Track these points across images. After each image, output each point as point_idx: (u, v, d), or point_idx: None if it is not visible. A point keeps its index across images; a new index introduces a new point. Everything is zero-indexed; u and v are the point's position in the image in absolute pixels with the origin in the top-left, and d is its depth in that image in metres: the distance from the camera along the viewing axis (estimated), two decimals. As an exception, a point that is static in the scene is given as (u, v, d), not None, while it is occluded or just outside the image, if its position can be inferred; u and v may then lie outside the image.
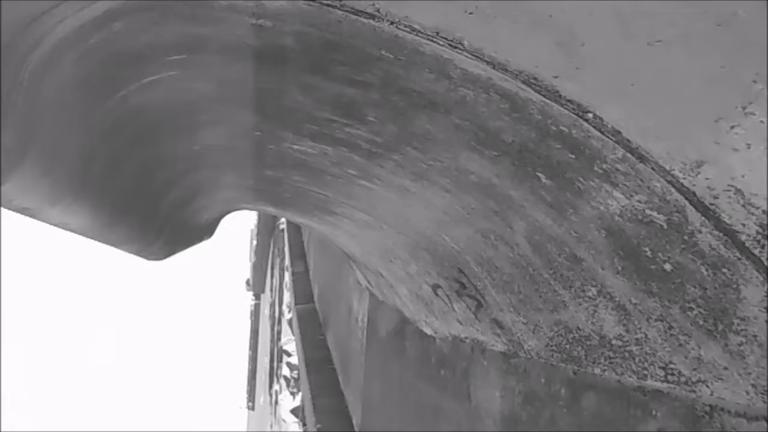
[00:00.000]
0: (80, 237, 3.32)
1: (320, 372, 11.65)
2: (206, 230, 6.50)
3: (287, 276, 26.31)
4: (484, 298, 3.73)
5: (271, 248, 59.87)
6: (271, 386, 57.58)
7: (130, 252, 3.99)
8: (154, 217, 3.57)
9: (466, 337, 4.64)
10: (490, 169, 2.30)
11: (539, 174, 2.11)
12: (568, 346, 3.09)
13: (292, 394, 14.40)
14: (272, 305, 58.69)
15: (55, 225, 2.64)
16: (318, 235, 15.81)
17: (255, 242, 62.92)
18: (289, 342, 16.06)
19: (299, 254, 18.18)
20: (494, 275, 3.33)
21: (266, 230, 57.42)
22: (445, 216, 3.09)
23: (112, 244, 3.49)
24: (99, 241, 3.32)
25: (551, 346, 3.28)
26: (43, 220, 2.46)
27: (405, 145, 2.50)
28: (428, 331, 5.57)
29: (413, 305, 5.46)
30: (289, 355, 15.33)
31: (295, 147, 2.98)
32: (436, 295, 4.55)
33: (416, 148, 2.47)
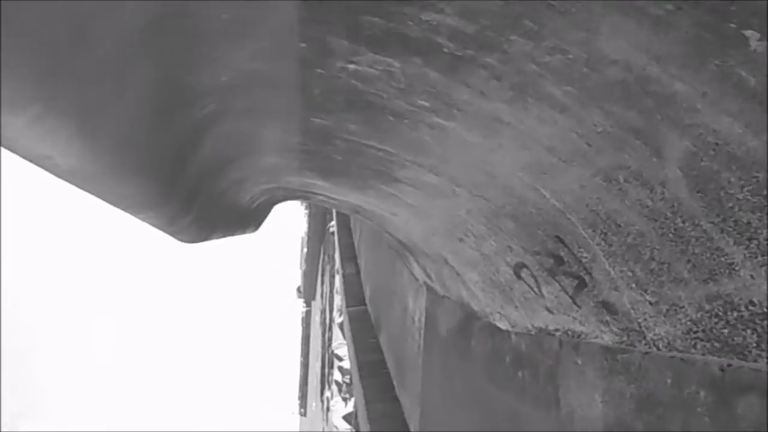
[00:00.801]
0: (89, 196, 2.66)
1: (374, 376, 10.88)
2: (250, 217, 5.82)
3: (338, 279, 25.81)
4: (590, 274, 2.88)
5: (322, 255, 59.89)
6: (322, 392, 57.39)
7: (152, 224, 3.33)
8: (179, 178, 2.89)
9: (556, 330, 3.78)
10: (650, 45, 1.49)
11: (746, 33, 1.28)
12: (726, 331, 2.22)
13: (344, 399, 13.67)
14: (323, 312, 58.71)
15: (33, 159, 1.95)
16: (369, 232, 15.08)
17: (305, 250, 63.06)
18: (341, 346, 15.38)
19: (350, 256, 17.54)
20: (612, 239, 2.48)
21: (317, 237, 57.43)
22: (551, 156, 2.27)
23: (124, 207, 2.82)
24: (103, 198, 2.64)
25: (695, 332, 2.41)
26: (9, 144, 1.77)
27: (510, 32, 1.71)
28: (503, 325, 4.73)
29: (485, 295, 4.63)
30: (340, 359, 14.63)
31: (350, 67, 2.23)
32: (518, 277, 3.71)
33: (528, 33, 1.68)
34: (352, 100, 2.56)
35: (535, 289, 3.60)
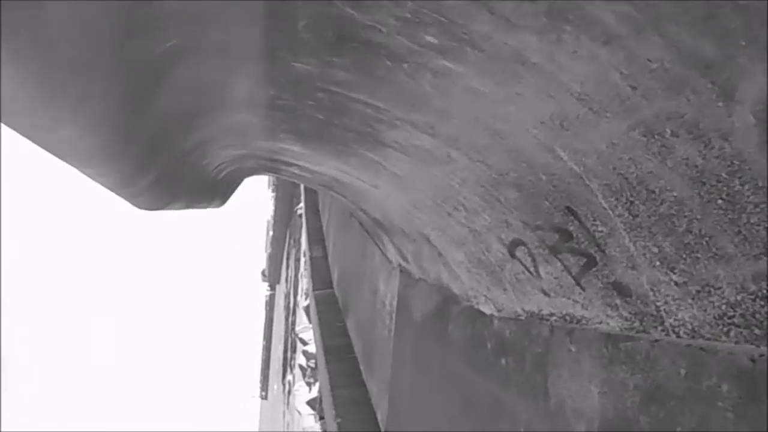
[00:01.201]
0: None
1: (340, 361, 10.53)
2: (215, 188, 5.35)
3: (304, 262, 25.33)
4: (603, 251, 2.55)
5: (287, 239, 59.23)
6: (284, 376, 57.01)
7: (106, 183, 2.87)
8: (136, 126, 2.44)
9: (551, 314, 3.46)
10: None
11: None
12: (773, 315, 1.92)
13: (309, 384, 13.30)
14: (287, 296, 58.17)
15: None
16: (339, 214, 14.65)
17: (271, 233, 62.23)
18: (306, 330, 14.97)
19: (317, 239, 17.10)
20: (639, 209, 2.15)
21: (283, 220, 56.67)
22: (579, 106, 1.91)
23: (70, 157, 2.36)
24: (44, 144, 2.18)
25: (731, 317, 2.10)
26: None
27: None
28: (487, 309, 4.40)
29: (470, 277, 4.29)
30: (305, 343, 14.23)
31: (345, -12, 1.82)
32: (512, 257, 3.37)
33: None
34: (344, 37, 2.15)
35: (531, 270, 3.27)
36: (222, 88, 2.85)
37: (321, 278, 14.87)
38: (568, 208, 2.52)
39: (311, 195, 20.62)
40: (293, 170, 5.49)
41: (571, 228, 2.63)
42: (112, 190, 3.11)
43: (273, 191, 59.99)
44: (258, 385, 71.25)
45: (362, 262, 10.72)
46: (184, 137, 3.21)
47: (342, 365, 10.32)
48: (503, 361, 4.39)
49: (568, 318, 3.29)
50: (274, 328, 68.96)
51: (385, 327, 8.43)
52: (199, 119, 3.12)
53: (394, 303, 7.94)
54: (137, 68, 2.16)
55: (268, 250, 66.45)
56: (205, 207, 5.82)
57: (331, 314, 12.69)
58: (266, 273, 70.32)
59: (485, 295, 4.20)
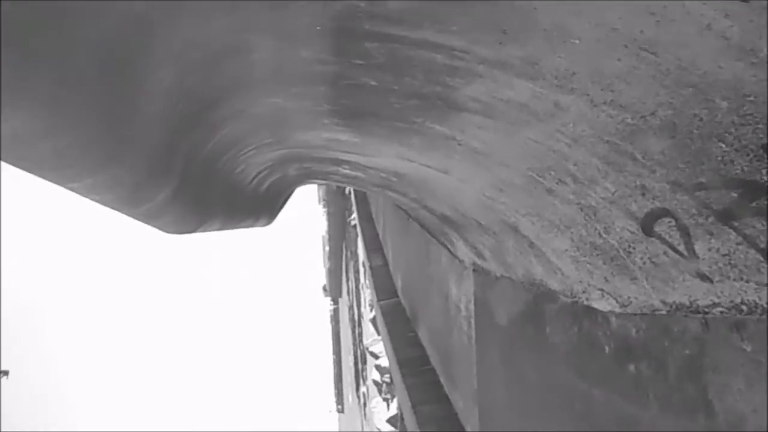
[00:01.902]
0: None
1: (417, 374, 9.70)
2: (259, 202, 4.62)
3: (364, 272, 24.70)
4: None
5: (344, 252, 59.08)
6: (358, 388, 56.52)
7: (107, 201, 2.16)
8: (130, 114, 1.73)
9: (712, 305, 2.54)
10: None
11: None
12: None
13: (386, 400, 12.50)
14: (351, 308, 57.92)
15: None
16: (395, 219, 13.84)
17: (327, 248, 62.28)
18: (375, 343, 14.21)
19: (375, 247, 16.37)
20: None
21: (338, 234, 56.55)
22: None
23: (43, 165, 1.65)
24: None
25: None
26: None
27: None
28: (603, 305, 3.49)
29: (578, 267, 3.40)
30: (376, 357, 13.46)
31: None
32: (649, 234, 2.49)
33: None
34: None
35: (680, 248, 2.37)
36: (238, 56, 2.10)
37: (384, 287, 14.11)
38: (765, 147, 1.63)
39: (364, 204, 19.97)
40: (344, 170, 4.72)
41: (766, 178, 1.74)
42: (123, 211, 2.41)
43: (324, 206, 60.07)
44: (333, 399, 71.33)
45: (427, 267, 9.88)
46: (204, 133, 2.49)
47: (419, 379, 9.49)
48: (631, 368, 3.47)
49: (741, 308, 2.37)
50: (341, 341, 68.92)
51: (463, 334, 7.56)
52: (220, 107, 2.39)
53: (471, 307, 7.07)
54: (123, 21, 1.43)
55: (327, 265, 66.58)
56: (251, 226, 5.14)
57: (399, 324, 11.89)
58: (327, 287, 70.50)
59: (601, 289, 3.30)
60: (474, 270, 6.71)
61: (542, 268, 4.04)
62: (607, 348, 3.77)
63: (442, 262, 8.82)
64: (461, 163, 3.10)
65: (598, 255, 3.04)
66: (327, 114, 2.79)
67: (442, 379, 8.90)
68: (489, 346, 6.46)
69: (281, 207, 6.67)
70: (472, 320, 7.07)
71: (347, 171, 4.78)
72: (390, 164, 3.79)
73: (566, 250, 3.32)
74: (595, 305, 3.59)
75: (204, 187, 2.84)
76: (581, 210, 2.77)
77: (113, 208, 2.43)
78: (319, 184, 7.99)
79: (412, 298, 11.71)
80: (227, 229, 4.15)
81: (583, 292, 3.62)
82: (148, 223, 2.82)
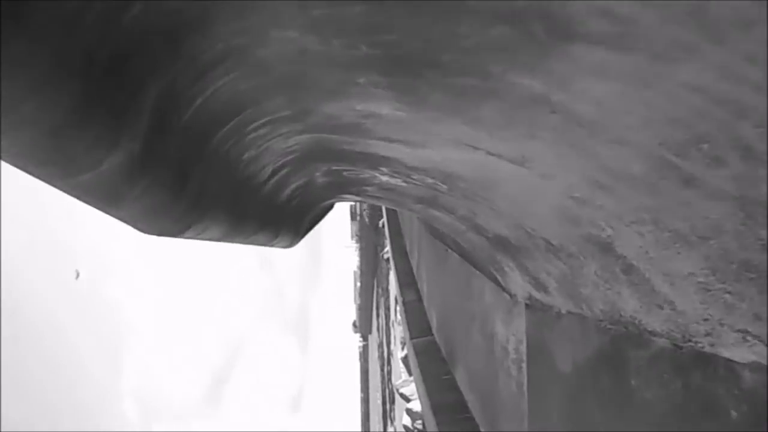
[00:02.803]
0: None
1: (454, 422, 8.56)
2: (279, 212, 3.76)
3: (395, 309, 23.62)
4: None
5: (375, 288, 58.09)
6: (385, 429, 54.59)
7: (47, 176, 1.36)
8: (87, 63, 0.90)
9: None
10: None
11: None
12: None
13: (417, 448, 11.29)
14: (380, 346, 56.58)
15: None
16: (430, 252, 12.83)
17: (359, 284, 61.42)
18: (406, 384, 13.05)
19: (409, 282, 15.36)
20: None
21: (369, 270, 55.71)
22: None
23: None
24: None
25: None
26: None
27: None
28: (741, 354, 2.47)
29: (706, 299, 2.40)
30: (407, 399, 12.29)
31: None
32: None
33: None
34: None
35: None
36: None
37: (417, 325, 13.05)
38: None
39: (397, 237, 19.08)
40: (382, 176, 3.82)
41: None
42: (55, 184, 1.56)
43: (357, 242, 59.36)
44: (360, 438, 69.05)
45: (467, 302, 8.85)
46: (186, 74, 1.64)
47: (457, 428, 8.35)
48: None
49: None
50: (370, 379, 67.16)
51: (511, 380, 6.48)
52: (210, 27, 1.54)
53: (523, 348, 6.02)
54: None
55: (357, 301, 65.53)
56: (268, 243, 4.25)
57: (434, 365, 10.78)
58: (357, 324, 69.29)
59: (745, 331, 2.29)
60: (528, 306, 5.69)
61: (638, 301, 3.03)
62: (734, 413, 2.72)
63: (485, 297, 7.79)
64: (549, 145, 2.18)
65: (751, 280, 2.05)
66: (364, 64, 1.93)
67: (483, 430, 7.75)
68: (546, 396, 5.37)
69: (308, 226, 5.79)
70: (524, 365, 6.01)
71: (386, 178, 3.88)
72: (443, 159, 2.89)
73: (691, 273, 2.33)
74: (725, 354, 2.56)
75: (190, 165, 2.00)
76: (740, 208, 1.81)
77: (40, 177, 1.58)
78: (353, 200, 7.10)
79: (448, 336, 10.63)
80: (235, 240, 3.30)
81: (707, 334, 2.60)
82: (109, 212, 1.97)
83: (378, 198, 5.56)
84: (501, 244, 4.51)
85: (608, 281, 3.22)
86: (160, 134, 1.72)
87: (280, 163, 3.13)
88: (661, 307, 2.82)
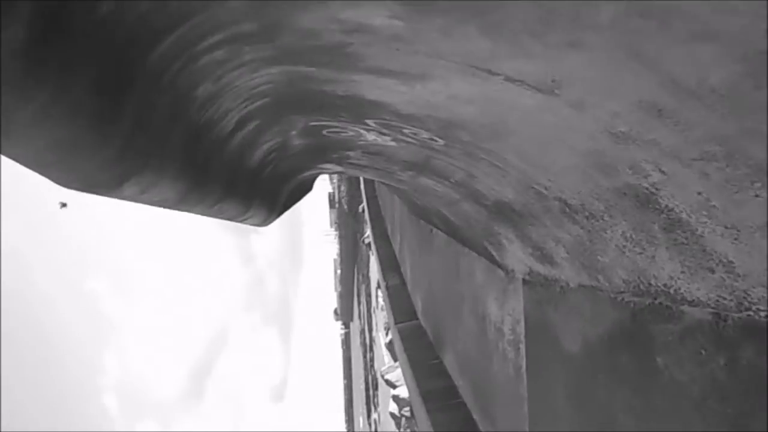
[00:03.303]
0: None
1: (445, 409, 8.09)
2: (245, 171, 3.18)
3: (377, 295, 23.21)
4: None
5: (356, 275, 57.67)
6: (369, 415, 54.44)
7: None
8: None
9: None
10: None
11: None
12: None
13: (405, 436, 10.82)
14: (362, 332, 56.26)
15: None
16: (414, 233, 12.29)
17: (339, 271, 60.95)
18: (392, 370, 12.57)
19: (391, 265, 14.83)
20: None
21: (349, 258, 55.21)
22: None
23: None
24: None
25: None
26: None
27: None
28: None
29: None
30: (393, 386, 11.81)
31: None
32: None
33: None
34: None
35: None
36: None
37: (402, 309, 12.55)
38: None
39: (378, 221, 18.55)
40: (369, 134, 3.25)
41: None
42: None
43: (336, 229, 58.68)
44: (344, 424, 68.96)
45: (455, 283, 8.36)
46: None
47: (448, 414, 7.89)
48: None
49: None
50: (352, 366, 66.86)
51: (507, 363, 6.02)
52: None
53: (520, 329, 5.55)
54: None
55: (338, 289, 64.98)
56: (238, 218, 3.64)
57: (421, 351, 10.30)
58: (338, 311, 68.79)
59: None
60: (527, 282, 5.21)
61: (679, 265, 2.54)
62: (803, 394, 2.25)
63: (476, 276, 7.30)
64: (594, 56, 1.65)
65: None
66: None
67: (476, 416, 7.30)
68: (549, 379, 4.91)
69: (285, 202, 5.19)
70: (522, 346, 5.55)
71: (373, 136, 3.32)
72: (446, 99, 2.34)
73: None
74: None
75: (118, 87, 1.43)
76: None
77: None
78: (333, 171, 6.40)
79: (435, 320, 10.15)
80: (197, 208, 2.71)
81: (778, 300, 2.12)
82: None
83: (362, 167, 4.97)
84: (501, 212, 3.99)
85: (639, 244, 2.72)
86: (64, 20, 1.14)
87: (246, 110, 2.53)
88: (713, 270, 2.33)
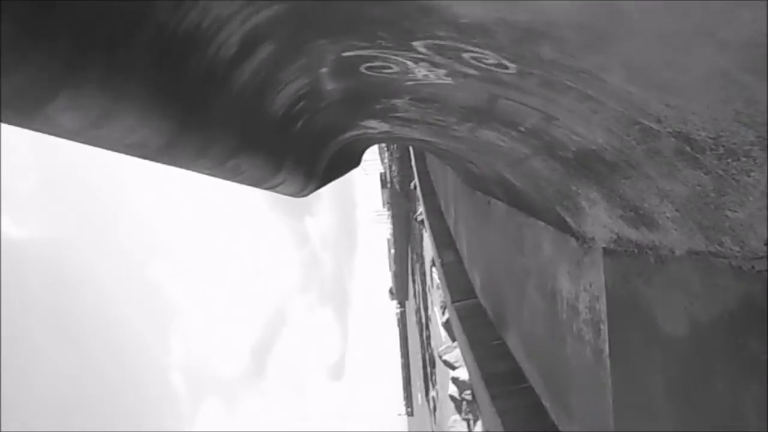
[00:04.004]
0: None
1: (510, 395, 7.36)
2: (276, 127, 2.57)
3: (431, 273, 22.59)
4: None
5: (409, 254, 57.11)
6: (427, 393, 54.17)
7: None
8: None
9: None
10: None
11: None
12: None
13: (467, 421, 10.16)
14: (417, 311, 55.82)
15: None
16: (469, 207, 11.48)
17: (393, 251, 60.56)
18: (450, 350, 11.89)
19: (446, 242, 14.09)
20: None
21: (403, 237, 54.64)
22: None
23: None
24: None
25: None
26: None
27: None
28: None
29: None
30: (452, 367, 11.13)
31: None
32: None
33: None
34: None
35: None
36: None
37: (459, 287, 11.82)
38: None
39: (431, 197, 17.78)
40: (418, 68, 2.53)
41: None
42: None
43: (388, 209, 58.21)
44: (403, 402, 69.24)
45: (519, 257, 7.56)
46: None
47: (514, 401, 7.15)
48: None
49: None
50: (409, 344, 66.73)
51: (584, 345, 5.23)
52: None
53: (601, 306, 4.75)
54: None
55: (392, 269, 64.68)
56: (271, 180, 3.03)
57: (481, 330, 9.56)
58: (393, 291, 68.61)
59: None
60: (608, 252, 4.39)
61: None
62: None
63: (543, 248, 6.49)
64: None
65: None
66: None
67: (546, 404, 6.54)
68: (640, 367, 4.11)
69: (326, 170, 4.52)
70: (603, 326, 4.75)
71: (424, 71, 2.60)
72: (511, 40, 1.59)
73: None
74: None
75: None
76: None
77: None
78: (378, 133, 5.62)
79: (496, 298, 9.38)
80: (201, 164, 2.10)
81: None
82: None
83: (411, 123, 4.21)
84: (585, 165, 3.19)
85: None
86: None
87: (250, 24, 1.85)
88: None
